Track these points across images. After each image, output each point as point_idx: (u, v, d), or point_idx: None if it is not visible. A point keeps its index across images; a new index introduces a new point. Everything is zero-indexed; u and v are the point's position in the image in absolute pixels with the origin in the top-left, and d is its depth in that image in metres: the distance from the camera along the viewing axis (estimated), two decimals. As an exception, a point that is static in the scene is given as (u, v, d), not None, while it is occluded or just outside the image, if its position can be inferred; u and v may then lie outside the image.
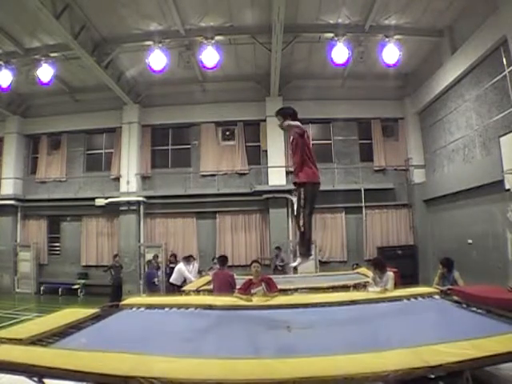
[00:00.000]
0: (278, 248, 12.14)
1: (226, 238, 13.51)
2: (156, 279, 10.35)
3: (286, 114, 3.97)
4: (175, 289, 9.77)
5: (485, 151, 9.68)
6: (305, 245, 3.96)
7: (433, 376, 2.29)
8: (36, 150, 15.26)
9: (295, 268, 4.40)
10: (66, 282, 13.67)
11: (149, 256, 12.65)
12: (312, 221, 3.98)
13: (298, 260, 4.10)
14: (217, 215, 13.62)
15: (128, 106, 13.93)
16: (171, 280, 10.42)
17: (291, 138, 4.02)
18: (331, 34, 10.50)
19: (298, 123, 3.86)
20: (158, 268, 11.76)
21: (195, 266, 11.14)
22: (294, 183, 4.03)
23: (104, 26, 10.49)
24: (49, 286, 13.86)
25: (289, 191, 12.76)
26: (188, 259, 11.06)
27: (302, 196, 3.83)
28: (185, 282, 10.23)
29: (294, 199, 4.01)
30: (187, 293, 6.67)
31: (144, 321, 4.00)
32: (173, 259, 11.96)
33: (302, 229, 3.84)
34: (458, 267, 6.06)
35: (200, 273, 10.61)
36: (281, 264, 11.73)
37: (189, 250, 12.95)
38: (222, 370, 2.30)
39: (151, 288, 10.03)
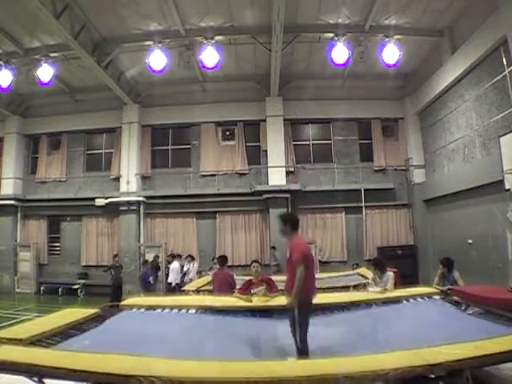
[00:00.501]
0: (273, 248, 12.20)
1: (226, 238, 13.51)
2: (151, 278, 10.38)
3: (287, 221, 4.05)
4: (174, 288, 9.82)
5: (485, 151, 9.67)
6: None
7: (433, 376, 2.29)
8: (36, 150, 15.26)
9: None
10: (66, 282, 13.67)
11: (148, 256, 12.67)
12: (308, 337, 3.51)
13: None
14: (217, 215, 13.62)
15: (128, 106, 13.93)
16: (169, 280, 10.46)
17: (289, 251, 3.93)
18: (331, 34, 10.50)
19: (300, 245, 3.85)
20: (158, 268, 11.78)
21: (195, 265, 11.16)
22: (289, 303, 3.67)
23: (104, 26, 10.49)
24: (49, 286, 13.86)
25: (289, 191, 12.79)
26: (187, 258, 11.10)
27: (297, 315, 3.51)
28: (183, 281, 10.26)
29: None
30: (187, 293, 6.67)
31: (144, 322, 4.00)
32: (170, 259, 11.97)
33: (300, 346, 3.47)
34: (457, 267, 6.05)
35: (200, 273, 10.63)
36: (274, 264, 11.76)
37: (189, 250, 12.96)
38: (221, 370, 2.30)
39: (146, 288, 10.05)
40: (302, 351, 3.47)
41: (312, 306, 3.73)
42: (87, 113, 14.25)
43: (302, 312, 3.54)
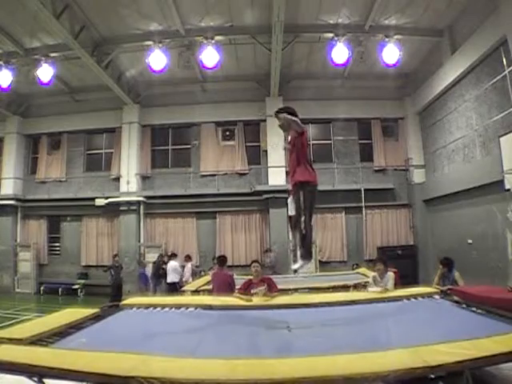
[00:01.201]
0: (268, 250, 12.40)
1: (226, 238, 13.51)
2: (151, 278, 10.39)
3: (284, 112, 3.89)
4: (174, 288, 9.82)
5: (485, 151, 9.68)
6: (306, 247, 3.80)
7: (433, 376, 2.29)
8: (36, 150, 15.28)
9: (295, 271, 4.26)
10: (66, 282, 13.68)
11: (149, 256, 12.67)
12: (312, 222, 3.83)
13: (300, 263, 3.90)
14: (217, 215, 13.62)
15: (128, 106, 13.93)
16: (168, 280, 10.46)
17: (289, 137, 3.94)
18: (331, 34, 10.51)
19: (297, 120, 3.79)
20: (161, 268, 11.75)
21: (189, 266, 11.09)
22: (295, 183, 3.85)
23: (104, 25, 10.50)
24: (49, 286, 13.86)
25: (289, 191, 12.78)
26: (185, 258, 11.10)
27: (303, 197, 3.68)
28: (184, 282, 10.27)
29: (289, 200, 3.88)
30: (186, 293, 6.66)
31: (144, 321, 4.00)
32: (167, 259, 11.95)
33: (304, 231, 3.68)
34: (457, 267, 6.07)
35: (197, 273, 10.63)
36: (269, 265, 11.81)
37: (189, 250, 12.97)
38: (221, 370, 2.30)
39: (146, 288, 10.07)
40: (304, 238, 3.64)
41: (316, 189, 3.89)
42: (87, 113, 14.26)
43: (309, 191, 3.70)
